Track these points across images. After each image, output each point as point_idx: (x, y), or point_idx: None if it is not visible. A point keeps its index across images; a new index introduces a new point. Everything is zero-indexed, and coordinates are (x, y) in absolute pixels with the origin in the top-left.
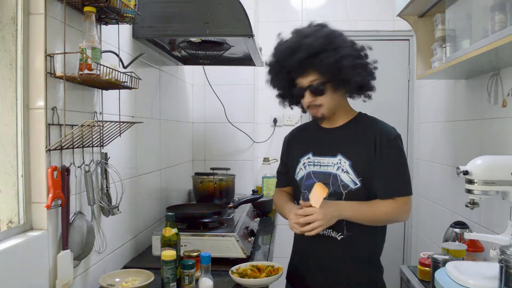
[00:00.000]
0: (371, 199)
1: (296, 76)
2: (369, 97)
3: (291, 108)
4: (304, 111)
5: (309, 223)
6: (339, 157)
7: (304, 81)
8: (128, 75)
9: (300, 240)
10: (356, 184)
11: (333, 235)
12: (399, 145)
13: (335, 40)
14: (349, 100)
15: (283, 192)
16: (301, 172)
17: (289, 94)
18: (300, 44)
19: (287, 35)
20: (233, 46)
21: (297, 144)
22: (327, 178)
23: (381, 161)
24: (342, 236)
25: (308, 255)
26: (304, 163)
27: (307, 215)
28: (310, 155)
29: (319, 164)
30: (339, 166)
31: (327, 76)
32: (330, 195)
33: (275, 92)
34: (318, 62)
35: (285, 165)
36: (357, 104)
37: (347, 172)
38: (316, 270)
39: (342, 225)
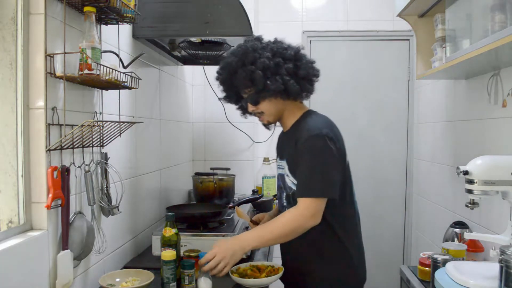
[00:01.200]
0: None
1: (237, 90)
2: (306, 97)
3: (246, 117)
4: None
5: (216, 266)
6: (284, 161)
7: (245, 93)
8: (128, 75)
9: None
10: (295, 185)
11: None
12: (313, 145)
13: (249, 55)
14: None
15: None
16: (277, 174)
17: (242, 106)
18: (224, 65)
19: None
20: (233, 46)
21: (276, 147)
22: (283, 180)
23: (298, 163)
24: None
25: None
26: (277, 166)
27: (209, 261)
28: (278, 158)
29: (281, 167)
30: (284, 170)
31: (246, 90)
32: (286, 197)
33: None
34: (237, 79)
35: None
36: (356, 104)
37: (287, 175)
38: (286, 268)
39: None
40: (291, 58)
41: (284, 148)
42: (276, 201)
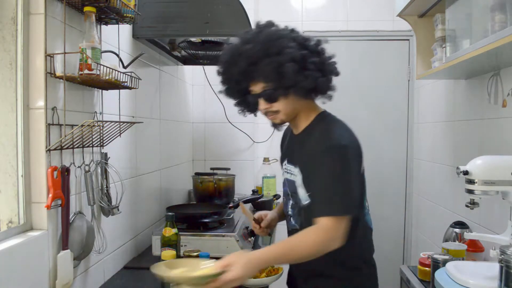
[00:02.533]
0: None
1: (246, 84)
2: (329, 98)
3: (244, 115)
4: (255, 115)
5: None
6: (298, 169)
7: (256, 88)
8: (128, 75)
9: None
10: (307, 199)
11: None
12: (332, 156)
13: (275, 43)
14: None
15: None
16: (282, 177)
17: (245, 102)
18: (240, 52)
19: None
20: None
21: (282, 147)
22: (294, 188)
23: (313, 175)
24: None
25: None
26: (283, 169)
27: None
28: (286, 161)
29: (290, 172)
30: (296, 180)
31: (270, 84)
32: (292, 206)
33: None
34: (259, 71)
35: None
36: (356, 104)
37: (301, 185)
38: (297, 273)
39: None
40: (314, 50)
41: (295, 153)
42: (277, 201)
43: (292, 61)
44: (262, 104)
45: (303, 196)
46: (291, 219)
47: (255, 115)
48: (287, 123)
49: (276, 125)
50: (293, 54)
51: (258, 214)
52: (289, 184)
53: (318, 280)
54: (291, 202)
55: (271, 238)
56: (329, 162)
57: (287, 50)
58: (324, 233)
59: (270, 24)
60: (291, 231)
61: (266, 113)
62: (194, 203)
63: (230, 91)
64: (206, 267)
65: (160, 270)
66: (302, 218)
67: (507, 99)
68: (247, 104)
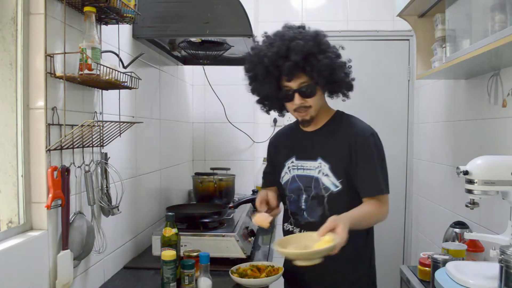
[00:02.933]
0: (352, 200)
1: (286, 80)
2: (348, 96)
3: (268, 113)
4: (281, 114)
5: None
6: (319, 160)
7: (294, 83)
8: (128, 75)
9: (286, 232)
10: (337, 186)
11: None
12: (375, 143)
13: (323, 41)
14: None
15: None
16: (286, 176)
17: (274, 98)
18: (289, 48)
19: (262, 38)
20: (233, 46)
21: (282, 147)
22: (309, 182)
23: (359, 161)
24: None
25: None
26: (288, 167)
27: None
28: (293, 159)
29: (302, 168)
30: (320, 170)
31: (318, 78)
32: (312, 198)
33: (255, 98)
34: (310, 65)
35: (273, 166)
36: (356, 104)
37: (327, 175)
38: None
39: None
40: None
41: (316, 146)
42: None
43: (337, 59)
44: (298, 99)
45: (331, 184)
46: (304, 213)
47: (280, 114)
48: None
49: (304, 122)
50: (337, 53)
51: (262, 199)
52: (301, 179)
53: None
54: (304, 196)
55: (271, 237)
56: (374, 147)
57: (331, 49)
58: (386, 206)
59: (304, 25)
60: (304, 225)
61: (297, 109)
62: (194, 203)
63: (263, 87)
64: (320, 240)
65: (277, 248)
66: (326, 208)
67: (507, 99)
68: (277, 100)
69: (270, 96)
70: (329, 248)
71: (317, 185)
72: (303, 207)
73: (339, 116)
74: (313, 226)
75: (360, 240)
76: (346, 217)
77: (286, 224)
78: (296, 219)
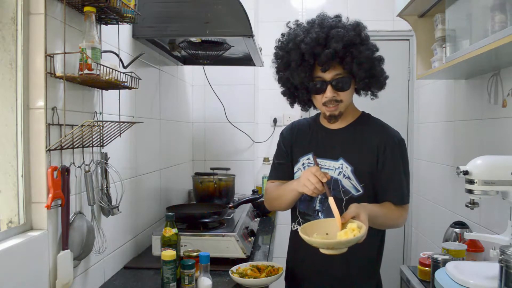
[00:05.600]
0: None
1: (322, 70)
2: (377, 95)
3: (292, 106)
4: (305, 109)
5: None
6: (341, 161)
7: (328, 75)
8: (128, 75)
9: (296, 240)
10: (358, 190)
11: None
12: (404, 151)
13: (363, 32)
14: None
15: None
16: (299, 172)
17: (304, 89)
18: (328, 36)
19: (294, 26)
20: (233, 46)
21: (299, 141)
22: (328, 182)
23: (386, 167)
24: None
25: (304, 257)
26: (303, 164)
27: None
28: (310, 156)
29: (323, 167)
30: (341, 171)
31: (357, 70)
32: (322, 201)
33: (280, 89)
34: (351, 56)
35: (289, 156)
36: (355, 104)
37: (348, 178)
38: (312, 274)
39: None
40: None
41: (338, 146)
42: None
43: (377, 52)
44: (330, 91)
45: (351, 187)
46: (319, 214)
47: (304, 108)
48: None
49: (332, 117)
50: (376, 47)
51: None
52: None
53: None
54: (319, 196)
55: (271, 237)
56: (402, 156)
57: (370, 41)
58: (405, 215)
59: (339, 14)
60: None
61: (326, 103)
62: (194, 203)
63: (295, 75)
64: (345, 228)
65: (303, 236)
66: (344, 210)
67: (507, 99)
68: (306, 92)
69: (301, 86)
70: (359, 237)
71: (336, 187)
72: (317, 207)
73: (366, 117)
74: None
75: (374, 249)
76: (367, 207)
77: (293, 224)
78: (305, 219)
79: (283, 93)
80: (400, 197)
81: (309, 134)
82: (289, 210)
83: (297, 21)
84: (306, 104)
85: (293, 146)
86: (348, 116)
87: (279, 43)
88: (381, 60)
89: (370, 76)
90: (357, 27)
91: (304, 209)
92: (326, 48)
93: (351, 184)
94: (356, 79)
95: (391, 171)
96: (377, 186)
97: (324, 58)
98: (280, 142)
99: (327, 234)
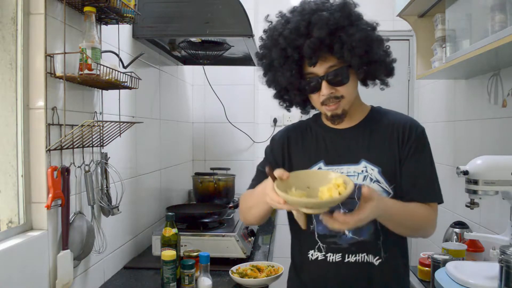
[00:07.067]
0: None
1: (309, 64)
2: (388, 84)
3: (289, 110)
4: (305, 112)
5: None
6: (364, 163)
7: (319, 69)
8: (128, 75)
9: (316, 270)
10: (388, 193)
11: (368, 259)
12: (427, 141)
13: (353, 11)
14: None
15: None
16: None
17: (295, 89)
18: (310, 22)
19: (275, 17)
20: (233, 46)
21: (300, 150)
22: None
23: (412, 160)
24: (380, 260)
25: (327, 284)
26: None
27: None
28: (321, 164)
29: (351, 174)
30: (366, 175)
31: (351, 57)
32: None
33: (272, 91)
34: (340, 41)
35: (279, 166)
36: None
37: (377, 181)
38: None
39: (378, 245)
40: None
41: (355, 147)
42: None
43: (374, 32)
44: (326, 88)
45: (381, 191)
46: (346, 232)
47: (304, 112)
48: (344, 116)
49: (335, 117)
50: (373, 25)
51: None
52: None
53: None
54: (341, 211)
55: (271, 237)
56: (428, 146)
57: (367, 21)
58: (435, 214)
59: None
60: (347, 248)
61: (325, 102)
62: (194, 203)
63: (281, 76)
64: (329, 182)
65: (278, 192)
66: (377, 221)
67: (507, 99)
68: (299, 92)
69: (290, 87)
70: (344, 196)
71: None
72: None
73: (377, 111)
74: (364, 246)
75: (407, 268)
76: (384, 198)
77: (312, 252)
78: (330, 242)
79: (275, 97)
80: (431, 194)
81: (312, 138)
82: (300, 235)
83: (280, 12)
84: (304, 105)
85: (291, 156)
86: (356, 113)
87: (261, 41)
88: (380, 40)
89: (369, 62)
90: (344, 7)
91: (325, 230)
92: (308, 37)
93: (380, 187)
94: (354, 68)
95: (417, 165)
96: (401, 181)
97: (308, 50)
98: (268, 149)
99: (308, 188)
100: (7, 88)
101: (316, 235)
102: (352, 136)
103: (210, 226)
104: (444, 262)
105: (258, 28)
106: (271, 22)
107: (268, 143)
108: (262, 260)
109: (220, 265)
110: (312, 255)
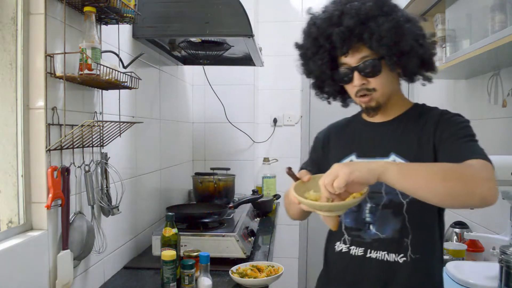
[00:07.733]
0: (440, 208)
1: (340, 54)
2: (430, 79)
3: (329, 103)
4: (345, 105)
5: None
6: (393, 156)
7: (352, 59)
8: (128, 75)
9: (343, 261)
10: None
11: (388, 258)
12: (466, 121)
13: (388, 2)
14: None
15: None
16: None
17: (329, 79)
18: (343, 12)
19: (319, 10)
20: (233, 46)
21: (337, 144)
22: (378, 185)
23: (445, 139)
24: (404, 259)
25: (346, 277)
26: None
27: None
28: (353, 157)
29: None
30: None
31: (383, 49)
32: (384, 207)
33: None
34: (369, 32)
35: (315, 165)
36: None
37: None
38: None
39: (405, 243)
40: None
41: (385, 140)
42: (277, 201)
43: (408, 23)
44: (357, 79)
45: None
46: (371, 227)
47: (344, 104)
48: (378, 109)
49: (369, 109)
50: (409, 17)
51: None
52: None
53: None
54: (368, 205)
55: (271, 237)
56: (465, 124)
57: (399, 12)
58: (483, 169)
59: None
60: (369, 243)
61: (358, 94)
62: (194, 203)
63: (313, 66)
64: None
65: (296, 196)
66: (406, 218)
67: (507, 99)
68: (333, 83)
69: (323, 76)
70: (359, 199)
71: (391, 189)
72: (368, 219)
73: (419, 107)
74: (386, 244)
75: (441, 268)
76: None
77: (338, 243)
78: (355, 235)
79: (312, 86)
80: (468, 152)
81: (350, 132)
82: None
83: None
84: (343, 98)
85: (330, 151)
86: (395, 108)
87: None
88: (415, 33)
89: (400, 53)
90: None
91: (352, 223)
92: (339, 26)
93: None
94: (385, 60)
95: (453, 139)
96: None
97: (337, 38)
98: (312, 147)
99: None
100: (7, 88)
101: (343, 227)
102: (385, 130)
103: (210, 226)
104: (444, 262)
105: (258, 28)
106: (313, 14)
107: (268, 143)
108: (262, 260)
109: (220, 265)
110: (337, 246)
